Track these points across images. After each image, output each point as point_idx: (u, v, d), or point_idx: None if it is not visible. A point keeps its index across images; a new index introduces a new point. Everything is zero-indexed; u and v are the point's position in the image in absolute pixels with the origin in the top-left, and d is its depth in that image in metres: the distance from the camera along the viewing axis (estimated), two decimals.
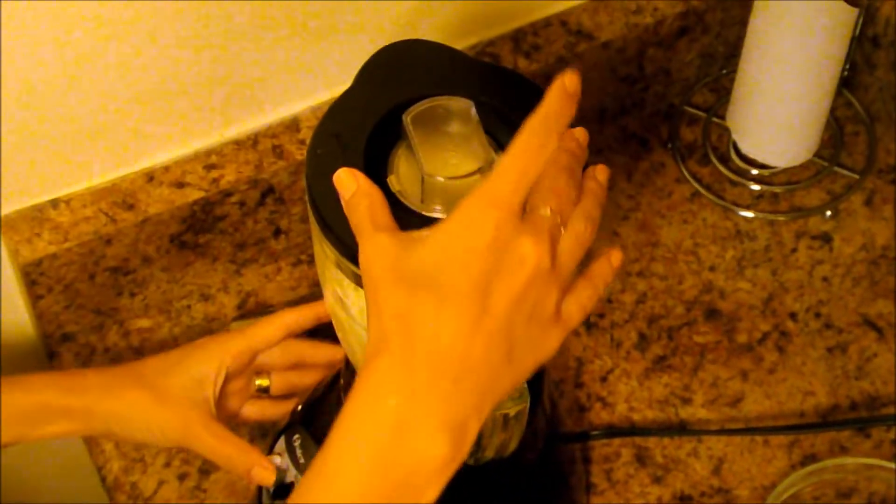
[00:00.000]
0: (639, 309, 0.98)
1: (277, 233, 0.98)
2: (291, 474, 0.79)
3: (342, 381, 0.78)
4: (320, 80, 0.93)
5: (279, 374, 0.86)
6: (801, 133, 1.01)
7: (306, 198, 0.64)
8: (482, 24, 0.97)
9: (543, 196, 0.58)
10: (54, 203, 0.90)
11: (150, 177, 0.91)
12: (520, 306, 0.56)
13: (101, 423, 0.79)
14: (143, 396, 0.78)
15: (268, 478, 0.78)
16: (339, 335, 0.71)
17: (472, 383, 0.55)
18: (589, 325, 0.97)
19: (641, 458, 0.91)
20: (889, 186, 1.04)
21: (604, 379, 0.94)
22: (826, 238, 1.01)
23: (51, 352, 0.96)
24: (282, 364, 0.86)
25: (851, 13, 0.93)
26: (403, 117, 0.62)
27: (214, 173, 0.92)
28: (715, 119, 1.07)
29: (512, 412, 0.68)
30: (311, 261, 0.99)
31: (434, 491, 0.56)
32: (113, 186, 0.90)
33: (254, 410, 0.85)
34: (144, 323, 0.97)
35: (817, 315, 0.97)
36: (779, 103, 0.99)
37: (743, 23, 1.01)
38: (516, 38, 0.98)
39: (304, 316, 0.84)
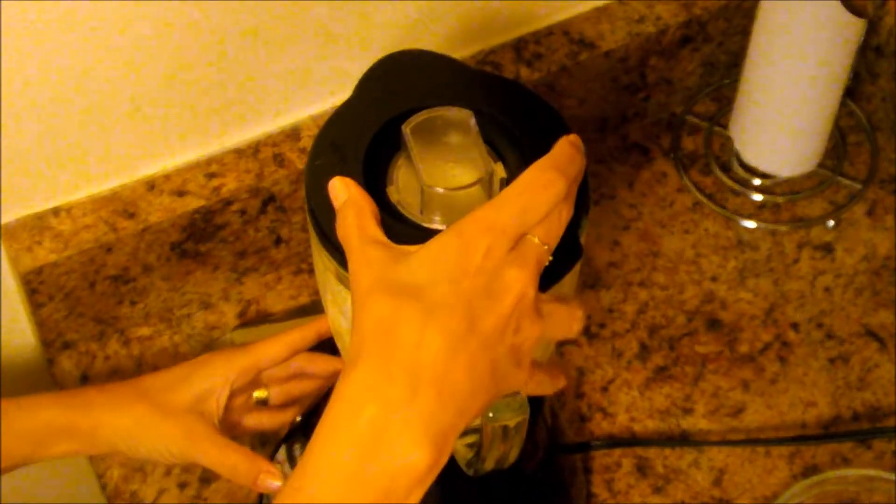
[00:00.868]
0: (640, 319, 0.97)
1: (278, 241, 0.98)
2: None
3: None
4: (321, 89, 0.93)
5: (277, 386, 0.86)
6: (804, 143, 1.01)
7: (306, 209, 0.64)
8: (484, 33, 0.97)
9: (539, 227, 0.58)
10: (55, 211, 0.90)
11: (150, 185, 0.91)
12: (503, 331, 0.57)
13: (106, 442, 0.79)
14: (148, 412, 0.78)
15: (277, 486, 0.78)
16: (339, 345, 0.71)
17: (453, 397, 0.55)
18: (590, 335, 0.97)
19: (642, 469, 0.90)
20: (891, 196, 1.04)
21: (605, 389, 0.94)
22: (828, 248, 1.01)
23: (51, 360, 0.96)
24: (282, 377, 0.86)
25: (856, 23, 0.93)
26: (403, 128, 0.62)
27: (215, 182, 0.92)
28: (717, 128, 1.07)
29: (512, 423, 0.68)
30: (311, 269, 0.99)
31: (416, 497, 0.56)
32: (113, 195, 0.90)
33: (252, 421, 0.85)
34: (145, 331, 0.97)
35: (819, 325, 0.97)
36: (781, 113, 0.99)
37: (745, 32, 1.01)
38: (518, 46, 0.98)
39: (307, 334, 0.85)
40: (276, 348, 0.84)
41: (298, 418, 0.84)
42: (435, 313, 0.55)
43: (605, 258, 1.01)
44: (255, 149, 0.93)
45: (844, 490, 0.87)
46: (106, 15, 0.80)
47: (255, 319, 0.97)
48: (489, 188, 0.62)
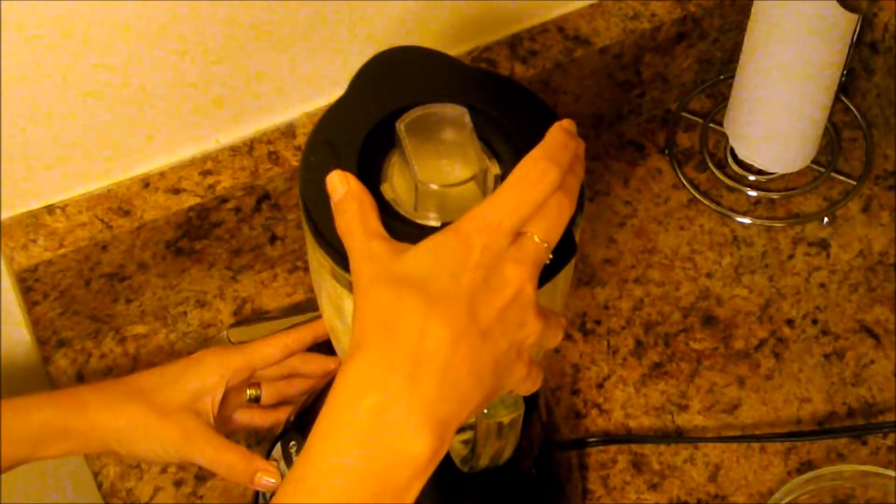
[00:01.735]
0: (635, 315, 0.97)
1: (273, 239, 0.97)
2: None
3: None
4: (315, 86, 0.93)
5: (269, 385, 0.86)
6: (799, 139, 1.01)
7: (300, 206, 0.64)
8: (479, 30, 0.97)
9: (534, 222, 0.58)
10: (50, 209, 0.90)
11: (145, 183, 0.91)
12: (504, 324, 0.57)
13: (100, 442, 0.78)
14: (143, 411, 0.78)
15: (273, 483, 0.78)
16: (335, 343, 0.71)
17: (455, 387, 0.55)
18: (585, 331, 0.97)
19: (638, 465, 0.91)
20: (886, 192, 1.04)
21: (600, 386, 0.94)
22: (823, 244, 1.01)
23: (46, 358, 0.95)
24: (275, 375, 0.86)
25: (850, 19, 0.93)
26: (397, 124, 0.62)
27: (210, 179, 0.92)
28: (712, 125, 1.07)
29: (506, 420, 0.68)
30: (306, 267, 0.99)
31: (416, 489, 0.56)
32: (109, 192, 0.90)
33: (244, 419, 0.85)
34: (140, 329, 0.97)
35: (814, 321, 0.97)
36: (776, 109, 0.99)
37: (741, 28, 1.01)
38: (513, 43, 0.98)
39: (303, 337, 0.85)
40: (270, 349, 0.84)
41: (292, 417, 0.84)
42: (437, 304, 0.55)
43: (601, 255, 1.01)
44: (249, 146, 0.93)
45: (840, 486, 0.87)
46: (100, 14, 0.80)
47: (251, 317, 0.97)
48: (483, 185, 0.62)
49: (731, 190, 1.04)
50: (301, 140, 0.93)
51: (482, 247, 0.57)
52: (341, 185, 0.61)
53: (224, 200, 0.92)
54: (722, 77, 1.09)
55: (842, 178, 1.04)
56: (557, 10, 0.99)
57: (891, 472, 0.86)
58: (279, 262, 1.00)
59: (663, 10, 1.01)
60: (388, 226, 0.60)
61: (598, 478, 0.90)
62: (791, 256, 1.01)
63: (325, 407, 0.56)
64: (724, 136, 1.05)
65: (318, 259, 0.64)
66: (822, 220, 1.02)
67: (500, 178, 0.63)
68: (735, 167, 1.05)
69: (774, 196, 1.04)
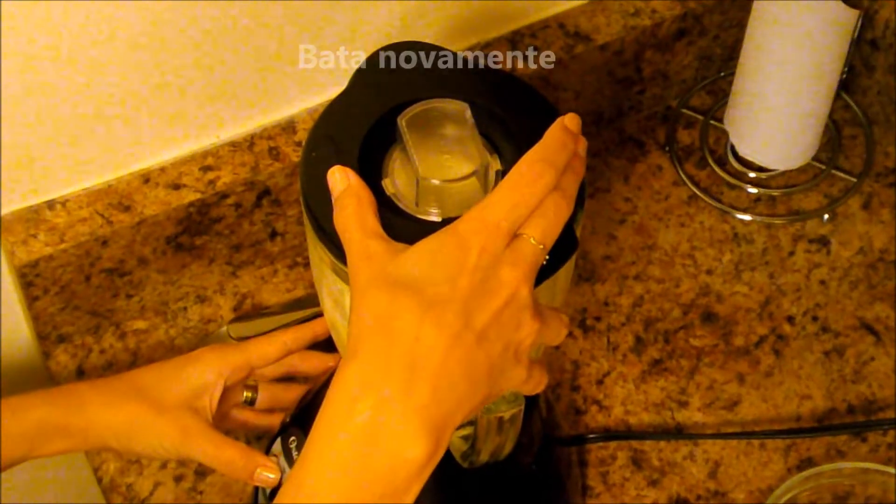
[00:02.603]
0: (635, 312, 0.97)
1: (273, 235, 0.97)
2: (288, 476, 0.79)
3: None
4: (316, 82, 0.93)
5: (265, 388, 0.86)
6: (799, 136, 1.01)
7: (301, 201, 0.64)
8: (479, 26, 0.97)
9: (531, 223, 0.58)
10: (50, 204, 0.89)
11: (146, 178, 0.91)
12: (499, 327, 0.57)
13: (99, 439, 0.78)
14: (142, 408, 0.78)
15: (273, 479, 0.79)
16: (335, 338, 0.71)
17: (449, 391, 0.56)
18: (585, 328, 0.97)
19: (637, 462, 0.91)
20: (887, 190, 1.04)
21: (600, 382, 0.94)
22: (824, 241, 1.01)
23: (46, 353, 0.95)
24: (273, 374, 0.86)
25: (851, 16, 0.93)
26: (398, 120, 0.62)
27: (210, 175, 0.92)
28: (712, 122, 1.07)
29: (506, 415, 0.68)
30: (307, 263, 0.99)
31: (415, 490, 0.56)
32: (109, 188, 0.90)
33: (239, 418, 0.85)
34: (140, 324, 0.97)
35: (814, 318, 0.97)
36: (777, 106, 0.99)
37: (741, 25, 1.01)
38: (514, 39, 0.98)
39: (302, 336, 0.85)
40: (269, 347, 0.84)
41: (292, 413, 0.84)
42: (432, 308, 0.56)
43: (601, 251, 1.01)
44: (250, 142, 0.93)
45: (840, 483, 0.87)
46: (101, 10, 0.80)
47: (251, 313, 0.97)
48: (484, 180, 0.62)
49: (732, 187, 1.04)
50: (302, 136, 0.93)
51: (480, 249, 0.57)
52: (341, 180, 0.61)
53: (224, 196, 0.92)
54: (722, 74, 1.09)
55: (842, 175, 1.04)
56: (558, 7, 0.99)
57: (891, 469, 0.86)
58: (279, 257, 1.00)
59: (664, 6, 1.00)
60: (389, 221, 0.60)
61: (598, 474, 0.90)
62: (791, 253, 1.01)
63: (323, 409, 0.56)
64: (725, 133, 1.05)
65: (318, 254, 0.64)
66: (823, 217, 1.02)
67: (502, 174, 0.63)
68: (735, 164, 1.05)
69: (775, 193, 1.04)
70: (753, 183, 1.04)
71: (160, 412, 0.78)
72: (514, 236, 0.58)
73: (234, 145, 0.93)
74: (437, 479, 0.58)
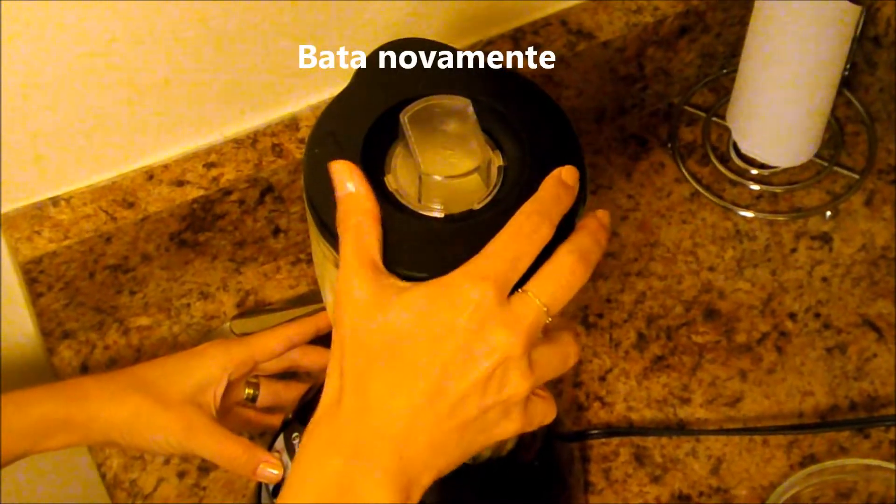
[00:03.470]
0: (638, 309, 0.98)
1: (277, 231, 0.98)
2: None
3: None
4: (319, 79, 0.93)
5: (267, 385, 0.86)
6: (802, 133, 1.01)
7: (304, 197, 0.64)
8: (482, 24, 0.97)
9: (540, 283, 0.57)
10: (54, 201, 0.90)
11: (149, 175, 0.91)
12: (479, 392, 0.56)
13: (102, 433, 0.79)
14: (146, 402, 0.78)
15: (276, 475, 0.79)
16: None
17: (415, 459, 0.56)
18: (588, 324, 0.97)
19: (640, 458, 0.91)
20: (889, 187, 1.04)
21: (602, 378, 0.94)
22: (826, 238, 1.01)
23: (50, 349, 0.96)
24: (275, 368, 0.86)
25: (853, 13, 0.93)
26: (401, 116, 0.62)
27: (214, 172, 0.92)
28: (715, 119, 1.07)
29: None
30: (310, 259, 1.00)
31: None
32: (113, 184, 0.91)
33: (240, 416, 0.86)
34: (144, 321, 0.97)
35: (817, 315, 0.97)
36: (779, 103, 0.99)
37: (743, 22, 1.01)
38: (516, 37, 0.98)
39: (305, 330, 0.85)
40: (273, 341, 0.84)
41: (295, 410, 0.84)
42: (407, 375, 0.56)
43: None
44: (253, 139, 0.93)
45: (842, 480, 0.87)
46: (104, 7, 0.80)
47: (254, 309, 0.97)
48: (487, 176, 0.62)
49: (734, 184, 1.04)
50: (304, 132, 0.93)
51: (474, 305, 0.56)
52: (348, 180, 0.60)
53: (228, 193, 0.92)
54: (725, 71, 1.10)
55: (844, 172, 1.04)
56: (560, 4, 0.99)
57: (893, 466, 0.86)
58: (282, 254, 1.00)
59: (666, 4, 1.01)
60: (392, 217, 0.60)
61: (600, 470, 0.90)
62: (794, 250, 1.01)
63: (296, 460, 0.58)
64: (727, 130, 1.05)
65: (321, 250, 0.64)
66: (825, 214, 1.03)
67: (504, 170, 0.63)
68: (738, 161, 1.05)
69: (777, 190, 1.04)
70: (756, 180, 1.04)
71: (164, 407, 0.78)
72: (519, 291, 0.57)
73: (237, 142, 0.93)
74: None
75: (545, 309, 0.57)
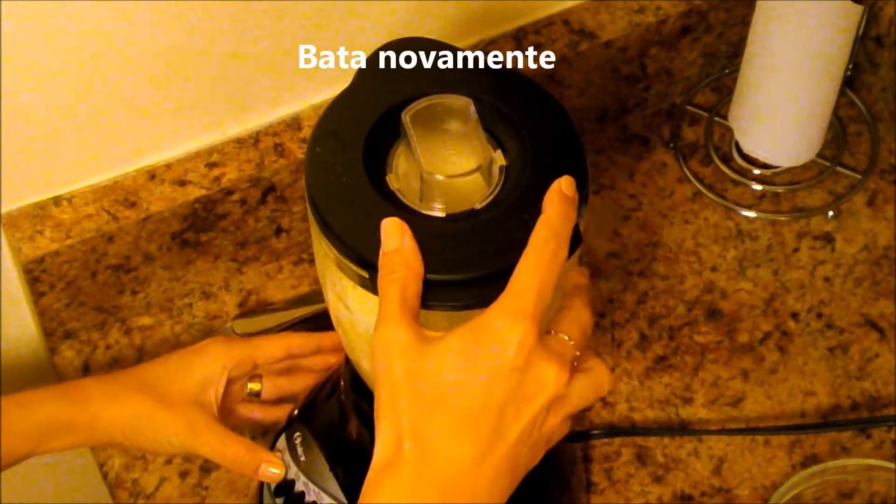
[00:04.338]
0: (640, 308, 0.97)
1: (279, 231, 0.98)
2: (293, 472, 0.80)
3: (342, 382, 0.78)
4: (321, 78, 0.93)
5: (270, 380, 0.86)
6: (804, 133, 1.01)
7: (306, 196, 0.64)
8: (484, 23, 0.97)
9: (569, 325, 0.59)
10: (56, 200, 0.90)
11: (151, 174, 0.91)
12: (530, 431, 0.58)
13: (105, 434, 0.79)
14: (148, 402, 0.78)
15: (278, 474, 0.79)
16: (340, 333, 0.71)
17: (481, 499, 0.57)
18: None
19: (642, 458, 0.91)
20: (892, 186, 1.04)
21: (609, 370, 0.94)
22: (828, 238, 1.01)
23: (52, 349, 0.96)
24: (276, 369, 0.86)
25: (855, 12, 0.93)
26: (403, 115, 0.62)
27: (216, 171, 0.92)
28: (717, 119, 1.07)
29: None
30: (312, 259, 0.99)
31: None
32: (115, 184, 0.91)
33: (244, 412, 0.86)
34: (146, 321, 0.97)
35: (819, 315, 0.97)
36: (781, 103, 0.99)
37: (746, 22, 1.01)
38: (518, 36, 0.98)
39: (307, 343, 0.85)
40: (274, 346, 0.84)
41: (297, 409, 0.84)
42: (467, 424, 0.56)
43: (605, 248, 1.01)
44: (255, 138, 0.93)
45: (844, 480, 0.87)
46: (106, 7, 0.80)
47: (256, 309, 0.97)
48: (488, 176, 0.62)
49: (736, 183, 1.04)
50: (307, 132, 0.93)
51: (517, 345, 0.56)
52: (396, 237, 0.59)
53: (230, 192, 0.92)
54: (727, 71, 1.09)
55: (847, 171, 1.04)
56: (563, 4, 0.99)
57: (895, 466, 0.86)
58: (284, 254, 1.00)
59: (668, 3, 1.01)
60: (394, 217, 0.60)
61: (602, 470, 0.90)
62: (796, 250, 1.01)
63: None
64: (729, 130, 1.05)
65: (323, 250, 0.64)
66: (827, 213, 1.02)
67: (505, 169, 0.63)
68: (740, 161, 1.05)
69: (779, 190, 1.04)
70: (758, 180, 1.04)
71: (166, 406, 0.78)
72: (547, 333, 0.59)
73: (239, 142, 0.93)
74: None
75: (572, 343, 0.59)
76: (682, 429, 0.92)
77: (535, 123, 0.64)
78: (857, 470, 0.87)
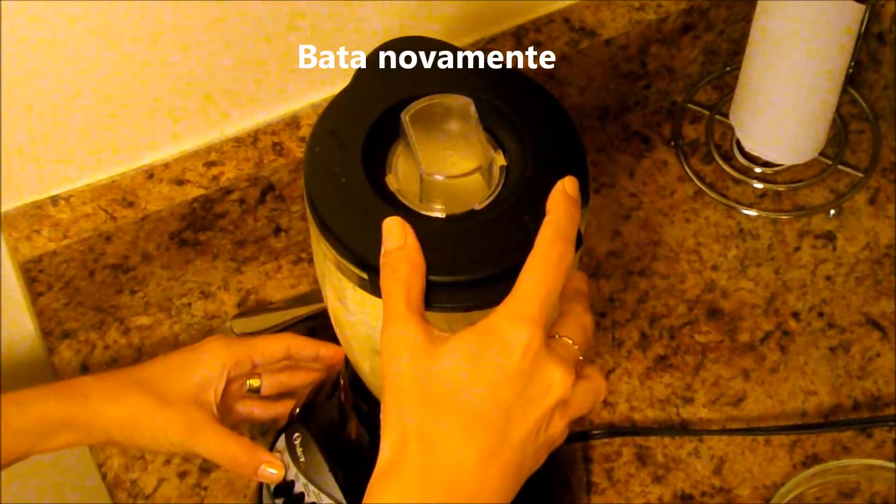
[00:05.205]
0: (640, 308, 0.97)
1: (277, 230, 0.97)
2: (292, 472, 0.79)
3: (342, 382, 0.78)
4: (320, 78, 0.92)
5: (270, 376, 0.86)
6: (806, 131, 1.01)
7: (305, 197, 0.63)
8: (484, 21, 0.97)
9: (572, 329, 0.59)
10: (54, 200, 0.89)
11: (149, 174, 0.91)
12: (536, 434, 0.58)
13: (103, 432, 0.78)
14: (147, 401, 0.78)
15: (277, 475, 0.78)
16: (338, 333, 0.71)
17: (486, 501, 0.57)
18: None
19: (642, 458, 0.90)
20: (893, 185, 1.03)
21: (605, 378, 0.94)
22: (829, 237, 1.01)
23: (50, 349, 0.96)
24: (274, 367, 0.86)
25: (857, 10, 0.93)
26: (402, 115, 0.62)
27: (214, 170, 0.92)
28: (718, 117, 1.07)
29: None
30: (311, 259, 0.99)
31: None
32: (113, 183, 0.90)
33: (244, 409, 0.85)
34: (144, 320, 0.97)
35: (820, 314, 0.97)
36: (783, 101, 0.98)
37: (747, 19, 1.00)
38: (518, 34, 0.98)
39: (307, 346, 0.85)
40: (273, 346, 0.84)
41: (296, 410, 0.84)
42: (475, 426, 0.56)
43: (606, 247, 1.00)
44: (254, 137, 0.93)
45: (845, 480, 0.87)
46: (104, 6, 0.80)
47: (255, 309, 0.97)
48: (488, 176, 0.62)
49: (737, 182, 1.04)
50: (305, 131, 0.93)
51: (524, 348, 0.56)
52: (398, 237, 0.59)
53: (228, 192, 0.92)
54: (728, 69, 1.09)
55: (848, 170, 1.04)
56: (563, 2, 0.99)
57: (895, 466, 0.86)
58: (283, 253, 1.00)
59: (669, 1, 1.00)
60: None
61: (603, 470, 0.90)
62: (797, 249, 1.01)
63: None
64: (731, 128, 1.05)
65: (322, 250, 0.64)
66: (829, 212, 1.02)
67: (505, 170, 0.63)
68: (741, 159, 1.05)
69: (781, 188, 1.04)
70: (759, 178, 1.04)
71: (165, 405, 0.78)
72: (551, 336, 0.58)
73: (237, 141, 0.93)
74: None
75: (576, 347, 0.59)
76: (683, 429, 0.92)
77: (536, 123, 0.63)
78: (859, 470, 0.87)
